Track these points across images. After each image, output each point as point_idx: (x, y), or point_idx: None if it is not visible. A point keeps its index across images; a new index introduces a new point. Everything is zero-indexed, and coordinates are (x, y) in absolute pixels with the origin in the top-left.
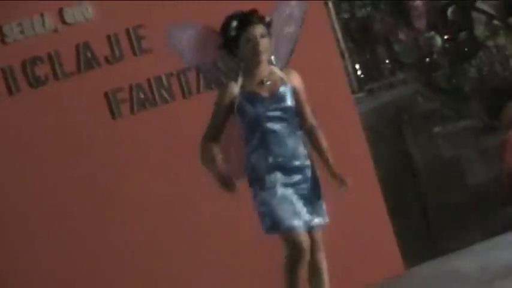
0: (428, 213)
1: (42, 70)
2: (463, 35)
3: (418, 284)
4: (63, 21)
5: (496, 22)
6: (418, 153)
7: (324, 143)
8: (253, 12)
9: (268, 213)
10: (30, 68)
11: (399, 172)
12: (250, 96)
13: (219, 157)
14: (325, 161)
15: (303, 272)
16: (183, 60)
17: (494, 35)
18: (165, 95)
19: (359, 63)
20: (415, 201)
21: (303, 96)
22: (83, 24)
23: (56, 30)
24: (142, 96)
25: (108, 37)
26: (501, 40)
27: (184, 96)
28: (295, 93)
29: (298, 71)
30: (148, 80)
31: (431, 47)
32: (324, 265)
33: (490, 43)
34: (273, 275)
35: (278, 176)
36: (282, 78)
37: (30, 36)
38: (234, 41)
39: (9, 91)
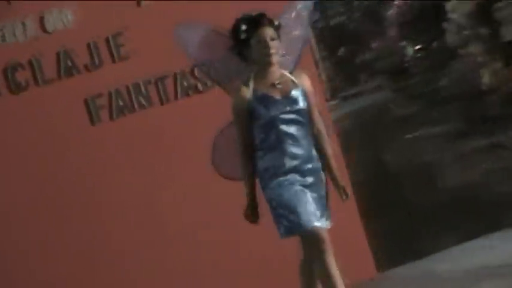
0: (404, 216)
1: (22, 76)
2: (435, 44)
3: (391, 287)
4: (44, 29)
5: (466, 32)
6: (392, 157)
7: (329, 149)
8: (262, 15)
9: (287, 216)
10: (11, 74)
11: (374, 176)
12: (263, 99)
13: (248, 171)
14: (329, 169)
15: (332, 260)
16: (189, 58)
17: (466, 44)
18: (143, 101)
19: (333, 71)
20: (392, 205)
21: (312, 99)
22: (63, 32)
23: (36, 37)
24: (121, 102)
25: (88, 45)
26: (472, 49)
27: (161, 102)
28: (306, 95)
29: None
30: (127, 87)
31: (404, 56)
32: (333, 267)
33: (461, 52)
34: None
35: (295, 177)
36: (293, 81)
37: (12, 42)
38: (244, 43)
39: None
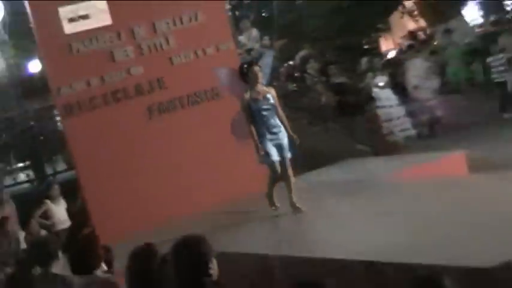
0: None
1: (120, 95)
2: (303, 84)
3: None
4: (130, 74)
5: (316, 79)
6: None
7: (286, 121)
8: (253, 61)
9: (263, 154)
10: (115, 94)
11: None
12: (254, 99)
13: (255, 134)
14: (286, 129)
15: (277, 182)
16: (222, 84)
17: (315, 84)
18: (173, 107)
19: None
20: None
21: (276, 100)
22: (138, 75)
23: (125, 77)
24: (164, 108)
25: (149, 82)
26: (318, 87)
27: (183, 108)
28: (273, 97)
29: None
30: (167, 101)
31: (287, 90)
32: (291, 176)
33: (313, 88)
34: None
35: (268, 137)
36: (267, 91)
37: (113, 81)
38: (245, 75)
39: (106, 105)
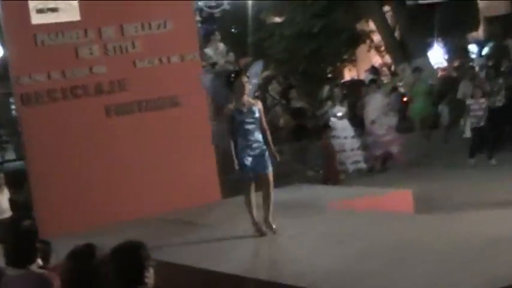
0: None
1: (80, 91)
2: (263, 104)
3: (234, 206)
4: (92, 73)
5: (275, 101)
6: None
7: (269, 135)
8: (241, 70)
9: (239, 171)
10: (74, 90)
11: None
12: (238, 111)
13: (234, 146)
14: (269, 145)
15: (253, 196)
16: (208, 92)
17: (275, 106)
18: (131, 110)
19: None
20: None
21: (262, 113)
22: (101, 75)
23: (88, 75)
24: (124, 109)
25: (110, 82)
26: (277, 108)
27: (141, 112)
28: (259, 110)
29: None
30: (126, 104)
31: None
32: (272, 192)
33: (273, 109)
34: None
35: (248, 151)
36: (253, 103)
37: (75, 77)
38: (232, 84)
39: (64, 99)
